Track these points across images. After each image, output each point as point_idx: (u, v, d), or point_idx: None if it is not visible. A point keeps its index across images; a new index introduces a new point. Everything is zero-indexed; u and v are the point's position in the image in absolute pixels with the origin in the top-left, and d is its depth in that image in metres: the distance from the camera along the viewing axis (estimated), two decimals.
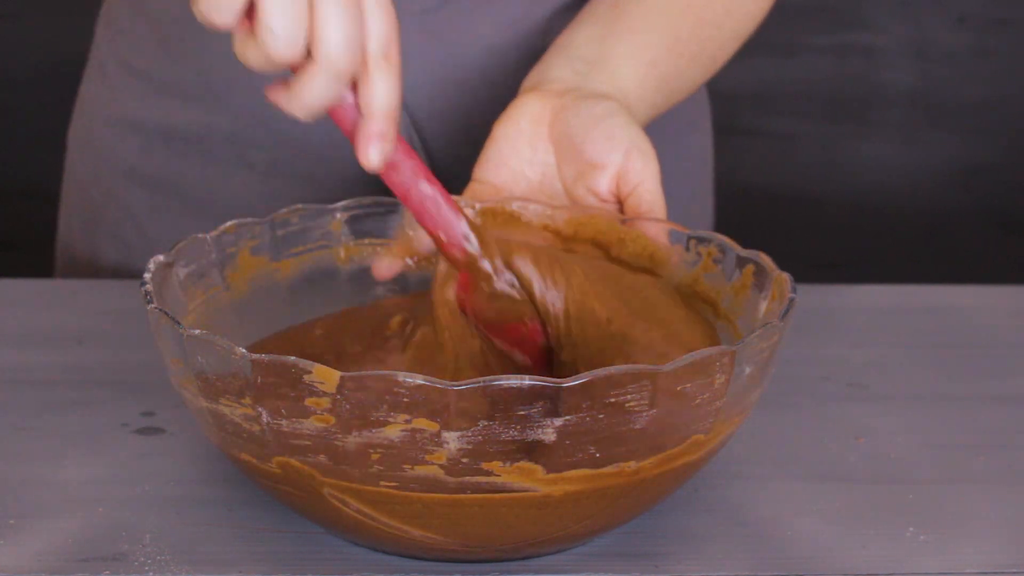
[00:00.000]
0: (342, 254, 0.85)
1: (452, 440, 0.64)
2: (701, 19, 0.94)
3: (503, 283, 0.79)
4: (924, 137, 2.45)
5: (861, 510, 0.77)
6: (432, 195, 0.76)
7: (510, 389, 0.63)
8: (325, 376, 0.64)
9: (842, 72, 2.42)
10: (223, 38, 0.72)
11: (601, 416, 0.65)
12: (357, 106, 0.71)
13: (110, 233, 1.08)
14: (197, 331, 0.68)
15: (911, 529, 0.75)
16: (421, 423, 0.64)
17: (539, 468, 0.65)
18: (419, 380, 0.63)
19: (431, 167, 1.03)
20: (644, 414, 0.65)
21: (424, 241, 0.85)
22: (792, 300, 0.73)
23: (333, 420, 0.65)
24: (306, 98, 0.70)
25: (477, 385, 0.63)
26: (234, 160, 1.05)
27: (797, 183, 2.46)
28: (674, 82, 0.94)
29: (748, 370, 0.69)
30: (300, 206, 0.84)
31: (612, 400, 0.65)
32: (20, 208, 2.37)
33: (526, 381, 0.63)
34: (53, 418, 0.84)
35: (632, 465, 0.67)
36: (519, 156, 0.86)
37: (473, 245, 0.78)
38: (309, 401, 0.65)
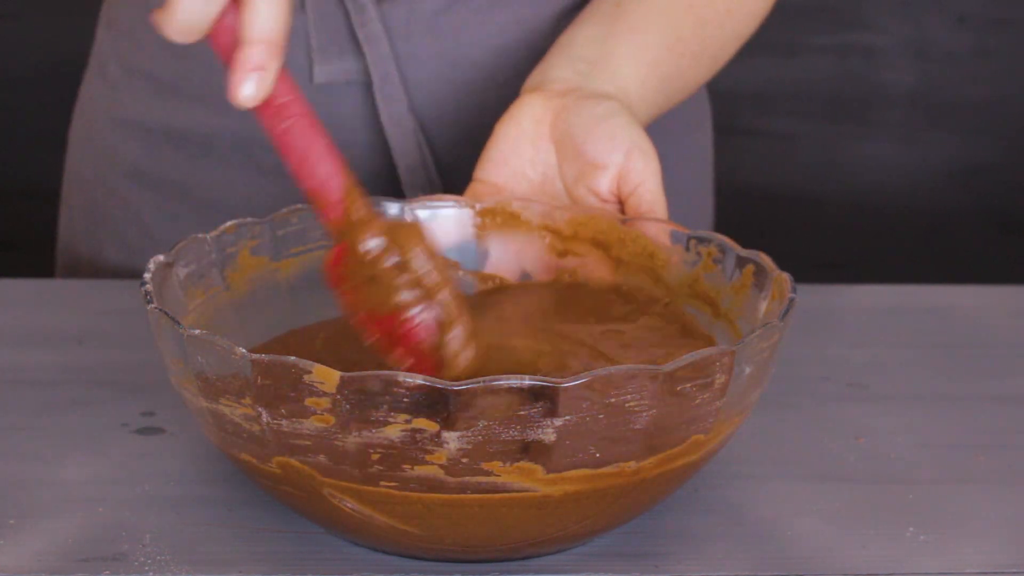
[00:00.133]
0: None
1: (452, 440, 0.64)
2: (703, 18, 0.94)
3: (389, 263, 0.71)
4: (924, 137, 2.45)
5: (861, 510, 0.77)
6: (317, 148, 0.69)
7: (510, 389, 0.63)
8: (325, 376, 0.64)
9: (842, 72, 2.42)
10: None
11: (601, 416, 0.65)
12: (236, 31, 0.65)
13: (113, 234, 1.08)
14: (197, 331, 0.68)
15: (911, 529, 0.75)
16: (421, 423, 0.64)
17: (539, 468, 0.65)
18: (419, 380, 0.63)
19: (437, 167, 1.03)
20: (644, 414, 0.65)
21: None
22: (792, 300, 0.73)
23: (333, 420, 0.65)
24: (179, 15, 0.65)
25: (477, 385, 0.63)
26: (240, 161, 1.04)
27: (797, 183, 2.46)
28: (676, 82, 0.94)
29: (748, 370, 0.69)
30: (300, 206, 0.84)
31: (612, 400, 0.65)
32: (20, 208, 2.37)
33: (526, 381, 0.63)
34: (53, 418, 0.84)
35: (632, 465, 0.67)
36: (520, 156, 0.86)
37: (359, 211, 0.70)
38: (309, 401, 0.65)
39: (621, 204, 0.85)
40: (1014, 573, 0.72)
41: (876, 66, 2.42)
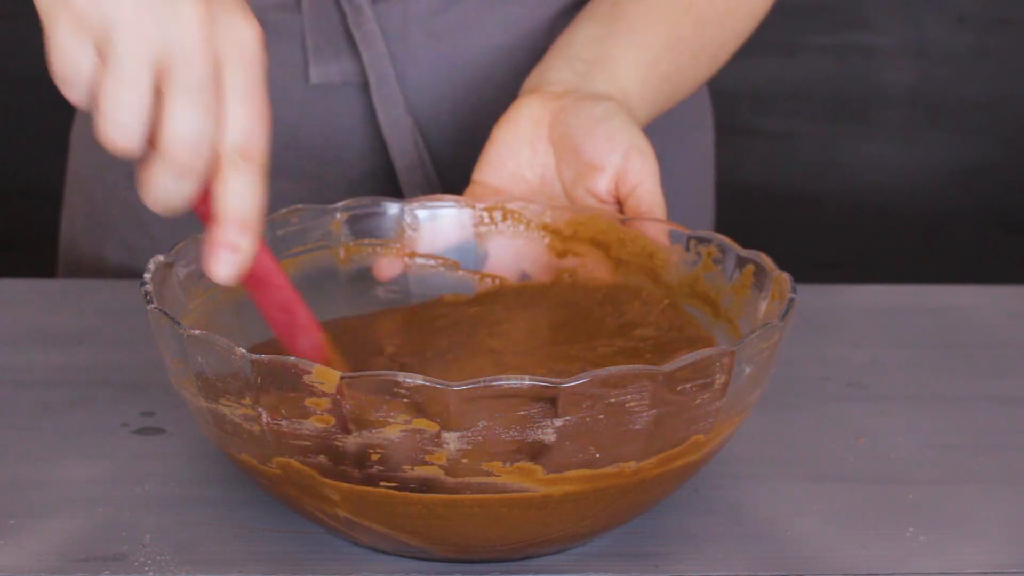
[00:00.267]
0: (342, 254, 0.85)
1: (452, 440, 0.64)
2: (702, 18, 0.94)
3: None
4: (924, 137, 2.45)
5: (861, 510, 0.77)
6: (298, 320, 0.70)
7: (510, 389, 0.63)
8: (325, 376, 0.64)
9: (842, 72, 2.42)
10: None
11: (601, 416, 0.65)
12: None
13: (114, 234, 1.08)
14: (197, 331, 0.68)
15: (911, 529, 0.75)
16: (421, 423, 0.64)
17: (539, 468, 0.65)
18: (419, 380, 0.63)
19: (435, 169, 1.03)
20: (644, 414, 0.65)
21: (426, 241, 0.85)
22: (792, 300, 0.73)
23: (333, 420, 0.65)
24: (154, 193, 0.64)
25: (477, 385, 0.63)
26: None
27: (797, 183, 2.46)
28: (675, 81, 0.94)
29: (748, 370, 0.69)
30: (300, 206, 0.84)
31: (612, 400, 0.64)
32: (20, 208, 2.37)
33: (526, 381, 0.63)
34: (53, 418, 0.84)
35: (632, 465, 0.67)
36: (518, 158, 0.86)
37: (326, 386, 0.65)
38: (309, 401, 0.65)
39: (620, 205, 0.85)
40: (1014, 573, 0.72)
41: (876, 66, 2.42)
